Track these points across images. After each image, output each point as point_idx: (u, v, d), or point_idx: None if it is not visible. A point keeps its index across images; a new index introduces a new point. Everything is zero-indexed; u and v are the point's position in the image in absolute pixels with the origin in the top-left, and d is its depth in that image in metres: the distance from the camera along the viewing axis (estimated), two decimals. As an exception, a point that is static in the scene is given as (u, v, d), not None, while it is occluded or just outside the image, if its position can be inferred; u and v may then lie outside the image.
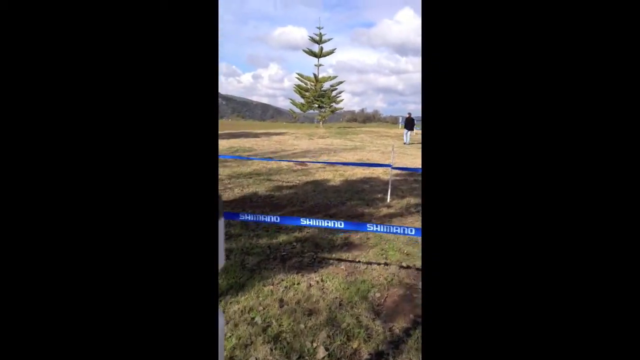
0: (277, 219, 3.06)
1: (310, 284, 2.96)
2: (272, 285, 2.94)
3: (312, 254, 3.59)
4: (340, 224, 2.93)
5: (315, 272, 3.20)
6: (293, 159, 10.95)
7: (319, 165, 9.27)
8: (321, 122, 34.04)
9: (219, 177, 7.81)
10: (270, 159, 9.63)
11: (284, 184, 7.39)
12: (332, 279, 3.07)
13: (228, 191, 6.51)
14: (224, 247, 0.35)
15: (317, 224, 2.95)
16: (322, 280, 3.03)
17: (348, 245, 3.88)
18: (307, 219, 2.98)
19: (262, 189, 6.79)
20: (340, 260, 3.49)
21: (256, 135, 22.39)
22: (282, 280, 3.02)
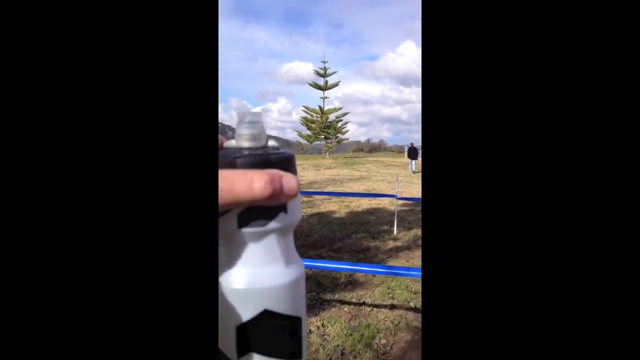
0: None
1: (310, 330, 2.73)
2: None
3: (314, 294, 3.36)
4: (342, 266, 2.73)
5: (316, 315, 2.97)
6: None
7: (324, 196, 9.11)
8: (328, 153, 34.10)
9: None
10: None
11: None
12: (334, 323, 2.84)
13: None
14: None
15: (317, 264, 2.76)
16: (323, 325, 2.80)
17: (352, 284, 3.66)
18: (309, 260, 2.79)
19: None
20: (343, 302, 3.26)
21: (263, 167, 22.48)
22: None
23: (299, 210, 0.30)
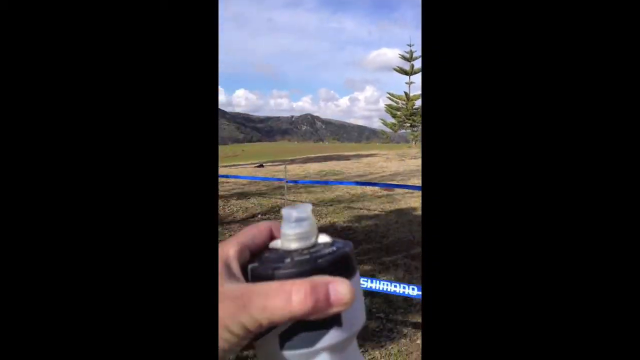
0: None
1: (370, 370, 2.18)
2: (321, 366, 2.22)
3: (382, 317, 2.78)
4: (413, 289, 2.11)
5: (382, 346, 2.40)
6: (379, 183, 10.17)
7: (406, 190, 8.34)
8: (414, 142, 32.46)
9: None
10: (345, 182, 8.97)
11: (365, 212, 6.66)
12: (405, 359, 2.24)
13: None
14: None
15: (381, 287, 2.17)
16: (388, 364, 2.22)
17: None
18: (367, 279, 2.23)
19: (341, 219, 6.15)
20: (418, 329, 2.63)
21: (347, 158, 22.12)
22: (335, 358, 2.29)
23: (359, 316, 0.26)
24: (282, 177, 7.56)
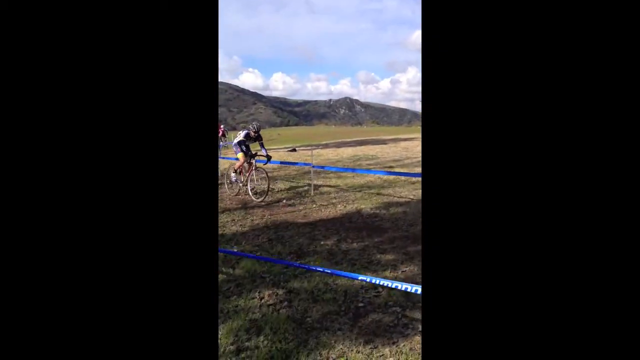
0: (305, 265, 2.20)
1: (378, 369, 2.03)
2: (326, 361, 2.10)
3: (398, 311, 2.62)
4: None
5: (394, 343, 2.24)
6: (407, 173, 9.81)
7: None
8: (456, 125, 31.23)
9: (329, 190, 7.25)
10: (377, 171, 8.65)
11: (395, 199, 6.42)
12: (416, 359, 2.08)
13: (330, 207, 5.87)
14: None
15: (384, 283, 2.01)
16: (397, 364, 2.06)
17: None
18: (366, 277, 2.06)
19: (368, 205, 5.96)
20: (435, 326, 2.44)
21: (384, 142, 21.62)
22: (343, 354, 2.15)
23: None
24: (311, 162, 7.44)
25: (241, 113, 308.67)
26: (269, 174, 6.71)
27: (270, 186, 6.81)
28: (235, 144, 6.87)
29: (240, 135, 6.86)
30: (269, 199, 6.53)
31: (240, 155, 6.69)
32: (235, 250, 2.45)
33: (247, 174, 6.76)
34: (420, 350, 2.17)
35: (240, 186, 6.97)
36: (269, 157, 6.76)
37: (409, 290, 1.95)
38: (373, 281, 2.28)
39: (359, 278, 2.42)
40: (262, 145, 6.90)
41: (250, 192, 6.65)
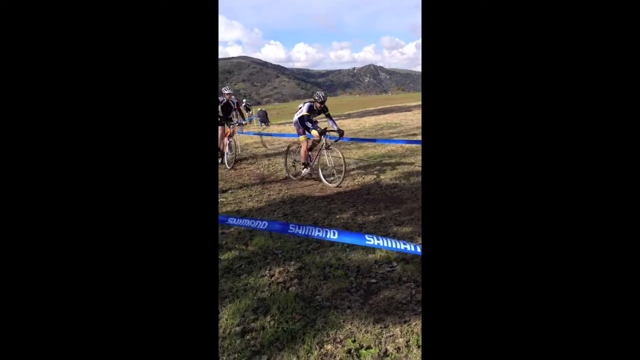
0: (307, 230, 2.07)
1: (386, 351, 1.92)
2: (334, 343, 2.01)
3: (412, 287, 2.48)
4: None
5: (405, 322, 2.12)
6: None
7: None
8: (485, 87, 29.96)
9: (347, 159, 7.07)
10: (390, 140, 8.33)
11: (416, 168, 6.18)
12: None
13: (347, 179, 5.72)
14: None
15: (385, 243, 1.86)
16: (407, 345, 1.94)
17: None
18: (372, 237, 1.93)
19: (387, 176, 5.77)
20: (450, 302, 2.30)
21: (408, 109, 20.99)
22: (351, 335, 2.05)
23: None
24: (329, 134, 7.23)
25: (265, 87, 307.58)
26: (343, 154, 5.57)
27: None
28: (296, 122, 5.91)
29: (303, 109, 5.80)
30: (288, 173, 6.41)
31: (314, 132, 5.69)
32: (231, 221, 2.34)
33: (316, 154, 5.92)
34: (433, 329, 2.05)
35: (306, 170, 5.93)
36: (341, 132, 5.71)
37: (416, 251, 1.80)
38: (377, 243, 2.14)
39: (366, 239, 2.29)
40: (330, 118, 5.98)
41: (322, 175, 5.71)
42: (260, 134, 10.91)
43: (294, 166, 6.26)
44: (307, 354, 1.93)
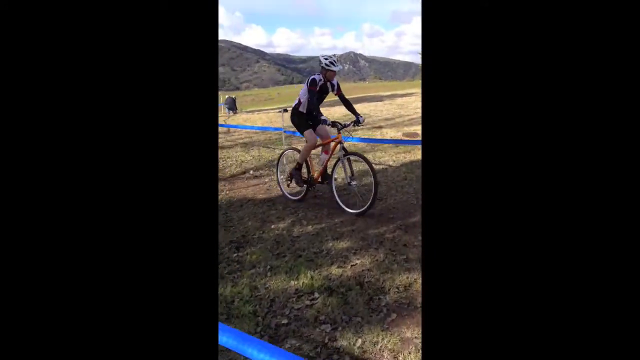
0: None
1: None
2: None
3: (325, 331, 2.03)
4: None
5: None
6: (403, 128, 9.01)
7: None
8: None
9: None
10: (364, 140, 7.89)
11: (376, 167, 5.73)
12: None
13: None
14: None
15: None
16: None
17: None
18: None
19: (341, 175, 5.29)
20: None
21: (380, 99, 20.57)
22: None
23: None
24: (282, 126, 6.72)
25: (244, 72, 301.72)
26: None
27: (244, 153, 5.45)
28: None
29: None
30: (236, 170, 5.85)
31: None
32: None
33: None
34: None
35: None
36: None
37: None
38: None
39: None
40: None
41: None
42: (225, 125, 10.28)
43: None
44: None
